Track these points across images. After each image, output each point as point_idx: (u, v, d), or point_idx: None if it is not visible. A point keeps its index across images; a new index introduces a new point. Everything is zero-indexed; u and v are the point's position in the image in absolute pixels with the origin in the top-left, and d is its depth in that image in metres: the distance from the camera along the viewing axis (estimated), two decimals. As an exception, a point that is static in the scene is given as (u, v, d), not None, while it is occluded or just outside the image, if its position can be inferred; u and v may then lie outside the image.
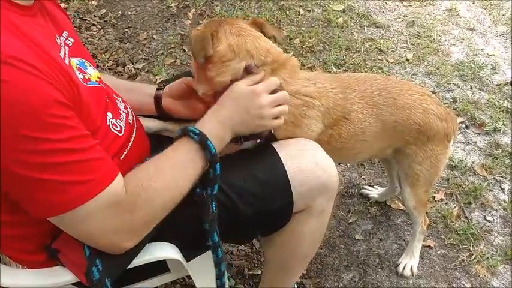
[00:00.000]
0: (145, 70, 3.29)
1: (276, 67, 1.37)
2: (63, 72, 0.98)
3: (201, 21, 3.75)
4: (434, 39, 3.54)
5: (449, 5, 3.95)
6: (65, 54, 1.10)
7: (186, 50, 3.48)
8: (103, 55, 3.42)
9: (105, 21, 3.85)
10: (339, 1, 3.99)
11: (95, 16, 3.90)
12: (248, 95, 1.26)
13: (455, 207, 2.32)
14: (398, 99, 1.66)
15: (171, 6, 3.97)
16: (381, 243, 2.17)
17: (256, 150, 1.37)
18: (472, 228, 2.21)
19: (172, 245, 1.24)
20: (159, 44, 3.56)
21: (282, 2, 3.98)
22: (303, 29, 3.68)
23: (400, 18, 3.81)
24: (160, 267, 1.33)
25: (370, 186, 2.42)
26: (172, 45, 3.53)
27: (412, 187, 1.83)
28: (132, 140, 1.27)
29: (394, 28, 3.68)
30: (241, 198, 1.25)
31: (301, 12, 3.88)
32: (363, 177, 2.49)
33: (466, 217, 2.27)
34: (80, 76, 1.10)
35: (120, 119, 1.25)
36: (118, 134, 1.21)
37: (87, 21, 3.84)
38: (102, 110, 1.18)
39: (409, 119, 1.66)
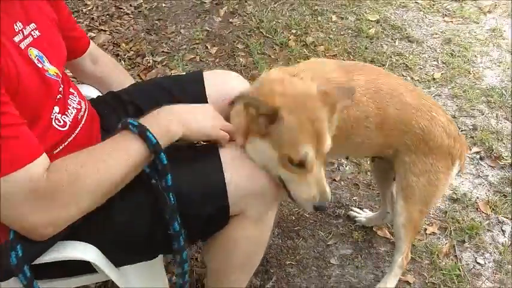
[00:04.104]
0: (164, 63, 3.32)
1: None
2: (5, 52, 1.01)
3: (231, 20, 3.74)
4: (468, 59, 3.31)
5: (495, 24, 3.68)
6: (21, 41, 1.13)
7: (208, 47, 3.48)
8: (126, 45, 3.48)
9: (139, 11, 3.93)
10: (376, 10, 3.83)
11: (130, 5, 3.99)
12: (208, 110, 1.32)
13: (446, 243, 2.15)
14: (405, 95, 1.61)
15: (205, 2, 3.98)
16: (356, 271, 2.05)
17: (201, 150, 1.36)
18: (459, 269, 2.04)
19: (90, 245, 1.22)
20: (184, 39, 3.57)
21: (316, 7, 3.89)
22: (331, 36, 3.56)
23: (437, 34, 3.59)
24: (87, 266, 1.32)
25: (359, 208, 2.29)
26: (197, 41, 3.53)
27: (405, 201, 1.71)
28: (73, 135, 1.28)
29: (428, 44, 3.48)
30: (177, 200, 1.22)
31: (334, 18, 3.76)
32: (354, 198, 2.37)
33: (455, 256, 2.10)
34: (39, 65, 1.14)
35: (66, 115, 1.27)
36: (59, 128, 1.22)
37: (121, 10, 3.93)
38: (50, 102, 1.20)
39: (412, 119, 1.60)
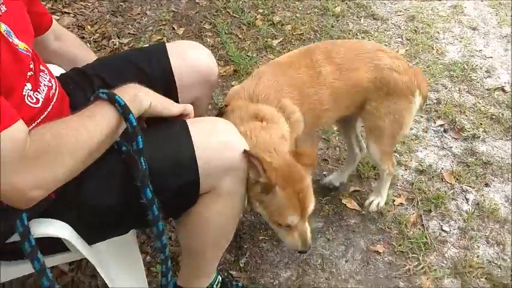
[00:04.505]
0: (130, 45, 3.26)
1: None
2: None
3: (197, 0, 3.69)
4: (431, 36, 3.39)
5: (456, 1, 3.76)
6: None
7: (175, 28, 3.43)
8: (91, 27, 3.40)
9: (102, -8, 3.83)
10: (341, -11, 3.85)
11: (93, -13, 3.88)
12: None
13: (413, 213, 2.22)
14: (352, 57, 1.78)
15: (170, -18, 3.90)
16: (328, 243, 2.10)
17: (171, 125, 1.34)
18: (426, 237, 2.11)
19: (63, 223, 1.21)
20: (150, 20, 3.51)
21: (283, -14, 3.87)
22: (297, 15, 3.57)
23: (401, 11, 3.65)
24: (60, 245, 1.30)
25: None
26: (163, 22, 3.48)
27: (376, 142, 1.91)
28: (45, 113, 1.25)
29: (392, 21, 3.53)
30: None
31: (300, -3, 3.76)
32: (324, 173, 2.41)
33: (422, 225, 2.18)
34: (10, 39, 1.13)
35: (39, 92, 1.25)
36: (32, 105, 1.20)
37: (85, -8, 3.82)
38: (23, 78, 1.18)
39: (360, 77, 1.76)
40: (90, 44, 3.23)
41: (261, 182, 1.39)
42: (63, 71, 1.61)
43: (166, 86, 1.51)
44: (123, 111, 1.14)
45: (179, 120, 1.32)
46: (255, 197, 1.46)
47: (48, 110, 1.27)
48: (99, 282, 1.87)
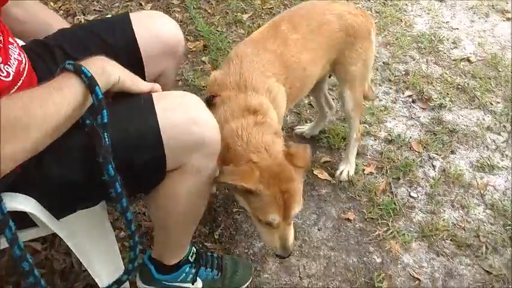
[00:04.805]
0: (97, 22, 3.18)
1: None
2: None
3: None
4: (400, 8, 3.42)
5: (424, -27, 3.79)
6: None
7: (143, 4, 3.37)
8: (54, 4, 3.31)
9: (66, -32, 3.71)
10: (310, -38, 3.83)
11: (56, -39, 3.76)
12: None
13: (382, 181, 2.28)
14: (313, 24, 1.84)
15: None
16: (300, 212, 2.11)
17: (136, 100, 1.30)
18: (394, 204, 2.18)
19: (28, 197, 1.20)
20: (117, -4, 3.44)
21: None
22: (267, -11, 3.54)
23: (370, -16, 3.66)
24: (27, 221, 1.30)
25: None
26: (130, -2, 3.41)
27: (351, 90, 2.03)
28: (15, 87, 1.23)
29: (362, -6, 3.55)
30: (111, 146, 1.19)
31: (269, -29, 3.73)
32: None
33: (391, 192, 2.24)
34: None
35: (9, 65, 1.21)
36: (3, 78, 1.17)
37: (46, -32, 3.70)
38: None
39: (332, 32, 1.86)
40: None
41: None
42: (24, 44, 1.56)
43: (131, 57, 1.48)
44: (90, 82, 1.11)
45: (145, 95, 1.28)
46: (238, 193, 1.48)
47: (19, 84, 1.24)
48: (74, 259, 1.87)
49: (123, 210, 1.23)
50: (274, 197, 1.42)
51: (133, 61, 1.48)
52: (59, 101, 1.09)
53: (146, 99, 1.27)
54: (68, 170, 1.21)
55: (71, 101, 1.11)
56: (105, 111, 1.13)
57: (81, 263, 1.49)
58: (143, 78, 1.56)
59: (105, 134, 1.14)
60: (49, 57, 1.43)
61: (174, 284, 1.70)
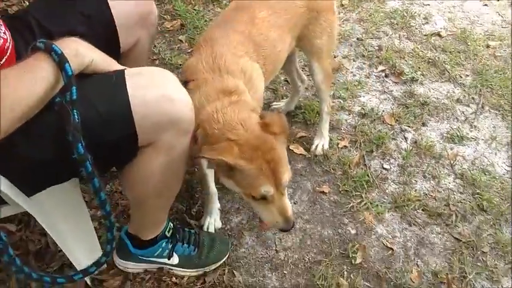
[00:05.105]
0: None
1: None
2: None
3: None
4: (372, -16, 3.43)
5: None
6: None
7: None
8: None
9: None
10: None
11: None
12: None
13: (356, 154, 2.32)
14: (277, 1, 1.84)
15: None
16: (277, 187, 2.17)
17: (107, 77, 1.28)
18: (368, 176, 2.22)
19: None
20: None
21: None
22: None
23: (343, -39, 3.66)
24: None
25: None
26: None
27: (318, 61, 2.08)
28: None
29: (335, -29, 3.54)
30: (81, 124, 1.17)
31: None
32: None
33: (365, 164, 2.29)
34: None
35: None
36: None
37: None
38: None
39: (296, 8, 1.87)
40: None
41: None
42: None
43: (105, 25, 1.48)
44: (60, 59, 1.09)
45: (117, 71, 1.26)
46: (223, 173, 1.46)
47: (2, 62, 1.23)
48: (49, 240, 1.86)
49: (95, 190, 1.20)
50: (261, 169, 1.40)
51: (107, 30, 1.48)
52: (30, 84, 1.07)
53: (118, 76, 1.25)
54: (38, 148, 1.19)
55: (44, 83, 1.09)
56: (74, 87, 1.11)
57: (56, 243, 1.49)
58: (118, 48, 1.55)
59: (75, 111, 1.12)
60: (27, 32, 1.40)
61: (151, 258, 1.72)
